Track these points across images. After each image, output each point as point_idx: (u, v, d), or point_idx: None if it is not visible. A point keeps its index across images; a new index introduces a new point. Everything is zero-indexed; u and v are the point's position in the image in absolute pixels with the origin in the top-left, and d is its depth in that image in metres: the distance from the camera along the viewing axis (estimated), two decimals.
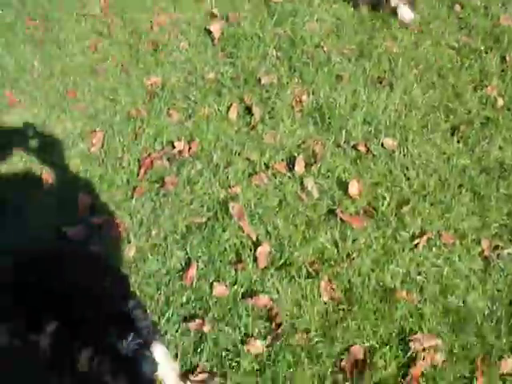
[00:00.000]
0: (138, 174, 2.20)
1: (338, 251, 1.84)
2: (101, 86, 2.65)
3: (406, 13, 2.86)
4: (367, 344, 1.59)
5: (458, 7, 2.93)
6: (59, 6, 3.20)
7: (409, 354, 1.56)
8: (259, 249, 1.84)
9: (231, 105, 2.43)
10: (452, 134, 2.25)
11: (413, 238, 1.88)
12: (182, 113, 2.44)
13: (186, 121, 2.39)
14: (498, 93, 2.46)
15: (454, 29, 2.82)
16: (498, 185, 2.05)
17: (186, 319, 1.69)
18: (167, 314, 1.69)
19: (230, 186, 2.06)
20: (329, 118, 2.31)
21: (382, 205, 1.95)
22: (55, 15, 3.14)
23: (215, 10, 2.95)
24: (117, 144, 2.33)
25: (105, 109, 2.51)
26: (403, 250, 1.89)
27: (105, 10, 3.15)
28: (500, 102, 2.42)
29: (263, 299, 1.69)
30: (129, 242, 1.94)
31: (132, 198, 2.09)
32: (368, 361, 1.54)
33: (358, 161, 2.12)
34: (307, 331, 1.63)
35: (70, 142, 2.38)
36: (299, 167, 2.08)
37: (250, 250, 1.85)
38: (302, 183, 2.05)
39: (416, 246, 1.85)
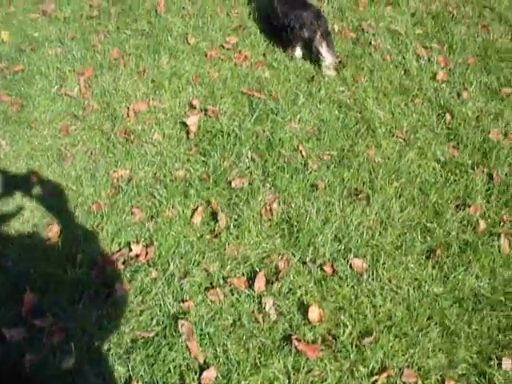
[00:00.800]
0: (89, 276, 2.36)
1: (289, 383, 1.97)
2: (66, 173, 2.91)
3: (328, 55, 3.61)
4: None
5: (448, 116, 3.23)
6: (37, 82, 3.53)
7: None
8: (205, 373, 2.02)
9: (197, 208, 2.65)
10: (427, 258, 2.49)
11: (372, 374, 2.05)
12: (145, 212, 2.68)
13: (148, 221, 2.62)
14: (480, 214, 2.71)
15: (442, 139, 3.14)
16: (471, 319, 2.29)
17: None
18: None
19: (183, 300, 2.26)
20: (297, 232, 2.53)
21: (343, 334, 2.15)
22: (32, 92, 3.47)
23: (195, 102, 3.29)
24: (71, 241, 2.53)
25: (66, 199, 2.74)
26: None
27: (83, 90, 3.47)
28: (482, 225, 2.66)
29: None
30: (69, 352, 2.07)
31: (79, 302, 2.26)
32: None
33: (323, 282, 2.34)
34: None
35: (26, 232, 2.58)
36: (259, 284, 2.29)
37: (196, 374, 2.01)
38: (260, 303, 2.24)
39: (374, 383, 1.97)
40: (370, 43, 3.94)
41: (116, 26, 4.18)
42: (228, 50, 3.88)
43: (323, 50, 3.61)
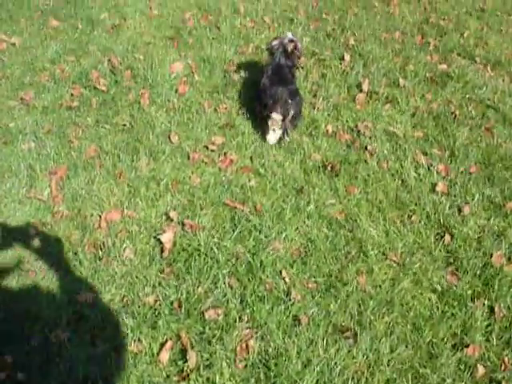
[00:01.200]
0: None
1: None
2: (26, 289, 2.84)
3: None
4: None
5: (447, 237, 3.21)
6: (6, 182, 3.76)
7: None
8: None
9: (166, 342, 2.58)
10: None
11: None
12: (107, 344, 2.58)
13: (109, 357, 2.52)
14: (479, 356, 2.63)
15: (440, 264, 3.11)
16: None
17: None
18: None
19: None
20: (275, 377, 2.44)
21: None
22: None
23: (172, 213, 3.27)
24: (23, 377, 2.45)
25: (22, 327, 2.66)
26: None
27: (54, 193, 3.49)
28: (480, 370, 2.59)
29: None
30: None
31: None
32: None
33: None
34: None
35: None
36: None
37: None
38: None
39: None
40: (366, 148, 4.00)
41: (95, 119, 4.26)
42: (213, 151, 3.93)
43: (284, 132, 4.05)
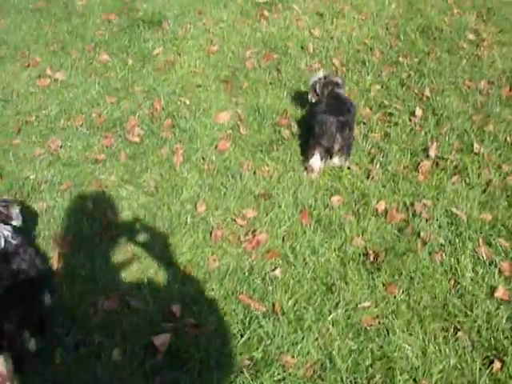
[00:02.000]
0: None
1: None
2: None
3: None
4: None
5: (497, 364, 3.01)
6: None
7: None
8: None
9: None
10: None
11: None
12: None
13: None
14: None
15: None
16: None
17: None
18: None
19: None
20: None
21: None
22: None
23: (175, 308, 3.25)
24: None
25: None
26: None
27: (55, 269, 3.43)
28: None
29: None
30: None
31: None
32: None
33: None
34: None
35: None
36: None
37: None
38: None
39: None
40: (419, 234, 3.68)
41: (120, 177, 4.18)
42: (241, 227, 3.75)
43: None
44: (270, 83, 5.40)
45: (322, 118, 4.20)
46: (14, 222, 3.08)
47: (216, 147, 4.58)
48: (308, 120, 4.66)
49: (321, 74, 4.56)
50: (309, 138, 4.37)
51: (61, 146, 4.67)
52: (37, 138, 4.78)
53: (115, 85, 5.48)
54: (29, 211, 3.94)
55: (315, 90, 4.53)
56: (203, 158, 4.45)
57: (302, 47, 6.03)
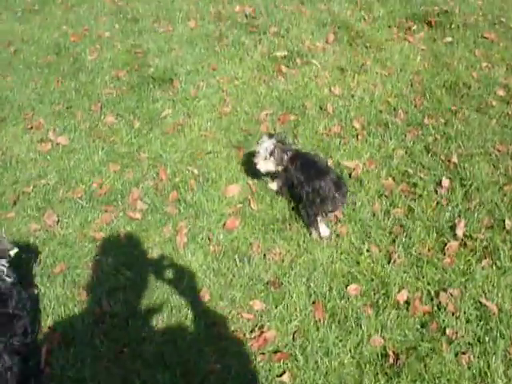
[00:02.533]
0: None
1: None
2: None
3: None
4: None
5: None
6: None
7: None
8: None
9: None
10: None
11: None
12: None
13: None
14: None
15: None
16: None
17: None
18: None
19: None
20: None
21: None
22: None
23: None
24: None
25: None
26: None
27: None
28: None
29: None
30: None
31: None
32: None
33: None
34: None
35: None
36: None
37: None
38: None
39: None
40: (445, 331, 3.51)
41: (116, 260, 4.02)
42: (248, 320, 3.57)
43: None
44: None
45: (314, 185, 4.14)
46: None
47: (224, 225, 4.42)
48: (283, 189, 4.65)
49: (267, 139, 4.41)
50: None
51: (58, 222, 4.49)
52: (33, 212, 4.66)
53: (120, 150, 5.38)
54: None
55: (276, 160, 4.38)
56: (209, 239, 4.25)
57: (320, 107, 5.89)
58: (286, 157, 4.35)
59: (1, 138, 5.72)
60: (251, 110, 5.91)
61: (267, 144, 4.38)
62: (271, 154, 4.35)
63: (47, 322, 3.75)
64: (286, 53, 6.92)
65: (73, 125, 5.86)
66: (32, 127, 5.89)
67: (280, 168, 4.42)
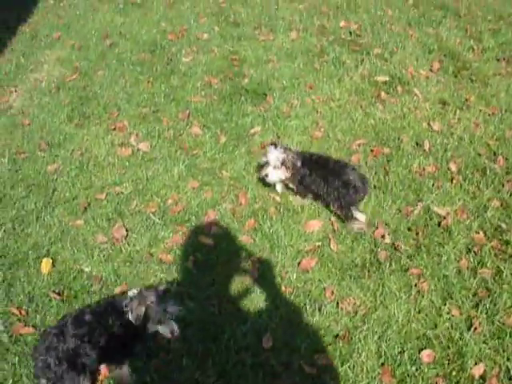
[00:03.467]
0: None
1: None
2: None
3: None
4: None
5: None
6: None
7: None
8: None
9: None
10: None
11: None
12: None
13: None
14: None
15: None
16: None
17: None
18: None
19: None
20: None
21: None
22: None
23: None
24: None
25: None
26: None
27: None
28: None
29: None
30: None
31: None
32: None
33: None
34: None
35: None
36: None
37: None
38: None
39: None
40: None
41: (183, 287, 3.87)
42: (308, 375, 3.49)
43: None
44: (375, 186, 4.96)
45: (345, 177, 4.45)
46: None
47: (299, 264, 4.19)
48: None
49: (273, 149, 4.62)
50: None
51: (126, 236, 4.40)
52: (102, 222, 4.64)
53: (202, 165, 5.33)
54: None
55: (288, 167, 4.61)
56: (281, 277, 4.06)
57: (417, 143, 5.63)
58: (299, 163, 4.57)
59: (82, 137, 5.74)
60: (344, 137, 5.72)
61: (277, 153, 4.57)
62: (283, 162, 4.54)
63: None
64: (388, 78, 6.72)
65: (157, 131, 5.82)
66: (115, 128, 5.91)
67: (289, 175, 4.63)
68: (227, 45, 7.56)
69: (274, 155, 4.55)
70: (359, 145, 5.59)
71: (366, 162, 5.33)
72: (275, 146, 4.60)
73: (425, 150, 5.54)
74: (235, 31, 7.89)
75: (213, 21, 8.27)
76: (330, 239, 4.44)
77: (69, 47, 7.75)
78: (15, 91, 6.74)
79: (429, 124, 5.94)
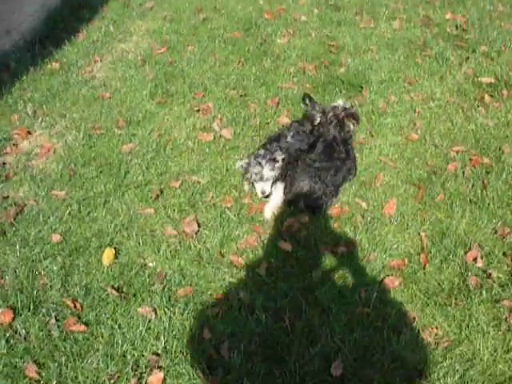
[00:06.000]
0: None
1: None
2: None
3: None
4: None
5: None
6: None
7: None
8: None
9: None
10: None
11: None
12: None
13: None
14: None
15: None
16: None
17: None
18: None
19: None
20: None
21: None
22: None
23: None
24: None
25: None
26: None
27: None
28: None
29: None
30: None
31: None
32: None
33: None
34: None
35: None
36: None
37: None
38: None
39: None
40: None
41: (251, 294, 3.62)
42: None
43: None
44: (470, 201, 4.48)
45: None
46: None
47: (381, 283, 3.77)
48: None
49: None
50: None
51: (197, 232, 4.10)
52: (173, 213, 4.36)
53: None
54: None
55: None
56: (359, 296, 3.66)
57: None
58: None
59: (163, 117, 5.51)
60: (442, 141, 5.23)
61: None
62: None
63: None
64: (493, 80, 6.13)
65: (242, 117, 5.53)
66: (199, 110, 5.67)
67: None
68: (325, 29, 7.17)
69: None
70: (457, 152, 5.12)
71: (464, 172, 4.85)
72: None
73: None
74: (335, 15, 7.50)
75: (313, 2, 7.87)
76: (418, 256, 4.00)
77: (160, 19, 7.53)
78: (100, 61, 6.57)
79: None
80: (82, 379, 3.25)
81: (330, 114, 4.83)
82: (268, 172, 4.29)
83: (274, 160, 4.33)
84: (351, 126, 4.92)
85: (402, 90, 5.99)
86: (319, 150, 4.67)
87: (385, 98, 5.83)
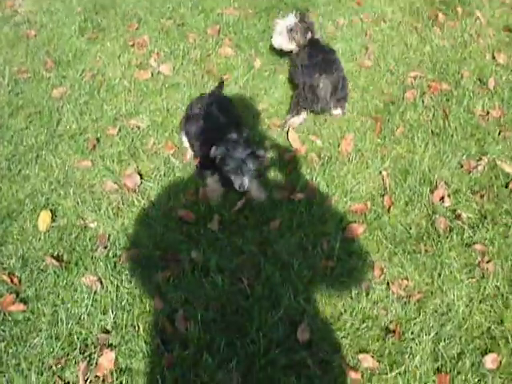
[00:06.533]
0: None
1: None
2: None
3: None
4: None
5: None
6: None
7: None
8: None
9: None
10: None
11: None
12: None
13: None
14: None
15: None
16: None
17: None
18: None
19: None
20: None
21: None
22: None
23: None
24: None
25: None
26: None
27: None
28: None
29: None
30: None
31: None
32: None
33: None
34: None
35: None
36: None
37: None
38: None
39: None
40: None
41: None
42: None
43: None
44: (432, 132, 4.21)
45: (312, 81, 4.12)
46: None
47: (344, 230, 3.46)
48: (292, 74, 4.50)
49: (292, 17, 4.39)
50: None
51: (140, 185, 3.70)
52: (113, 165, 3.94)
53: (232, 94, 4.45)
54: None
55: (293, 38, 4.38)
56: (322, 248, 3.37)
57: (479, 79, 4.85)
58: (309, 35, 4.38)
59: (95, 55, 5.03)
60: (397, 67, 4.92)
61: (290, 20, 4.37)
62: (291, 30, 4.35)
63: None
64: None
65: (181, 50, 5.10)
66: (134, 44, 5.20)
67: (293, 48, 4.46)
68: None
69: (286, 21, 4.40)
70: (414, 78, 4.86)
71: (423, 101, 4.60)
72: (300, 14, 4.42)
73: (489, 90, 4.74)
74: None
75: None
76: (382, 198, 3.72)
77: None
78: None
79: (493, 56, 5.13)
80: (26, 366, 2.91)
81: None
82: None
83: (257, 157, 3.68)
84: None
85: (351, 11, 5.62)
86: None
87: (333, 21, 5.48)
